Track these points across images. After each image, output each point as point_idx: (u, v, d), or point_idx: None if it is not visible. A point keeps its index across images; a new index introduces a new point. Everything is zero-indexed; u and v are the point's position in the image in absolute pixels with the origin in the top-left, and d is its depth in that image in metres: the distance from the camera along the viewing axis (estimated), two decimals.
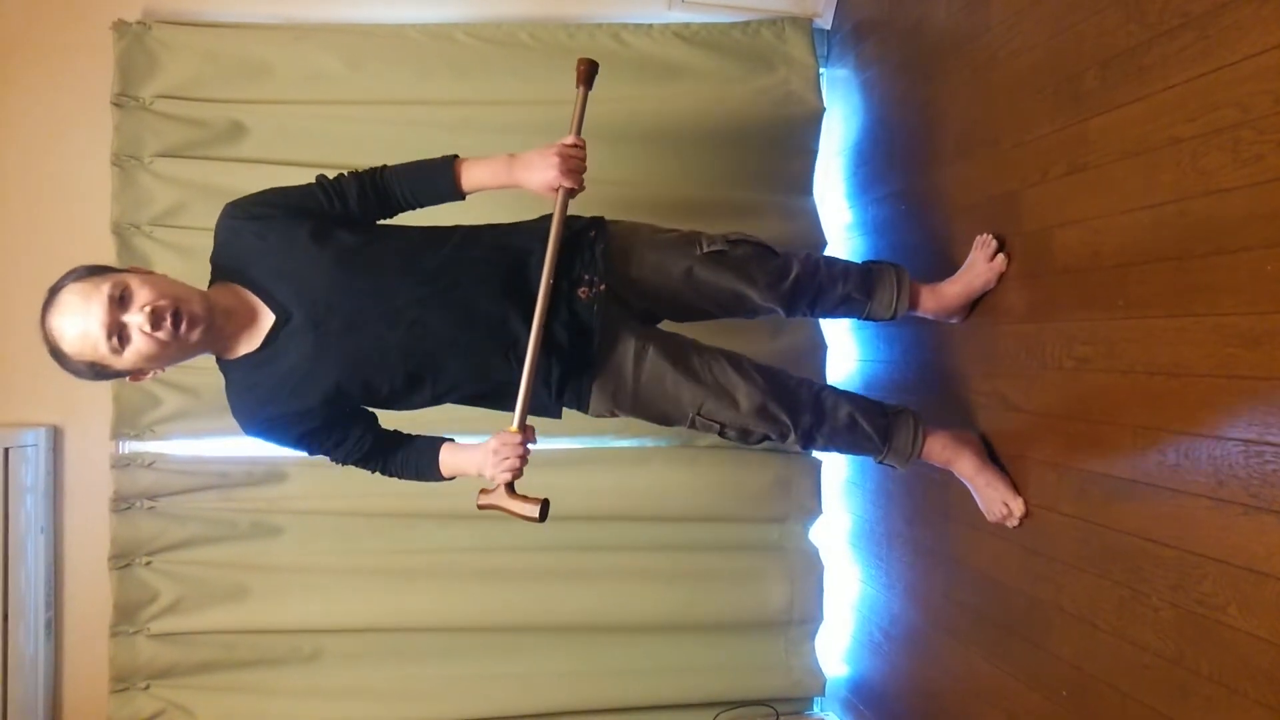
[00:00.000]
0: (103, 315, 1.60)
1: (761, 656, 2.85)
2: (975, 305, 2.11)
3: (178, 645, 2.67)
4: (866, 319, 2.15)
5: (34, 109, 2.66)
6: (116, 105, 2.59)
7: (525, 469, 1.82)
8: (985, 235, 2.04)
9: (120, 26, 2.60)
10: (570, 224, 1.90)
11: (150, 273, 1.72)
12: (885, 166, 2.62)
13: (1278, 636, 1.37)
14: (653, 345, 1.93)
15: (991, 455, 2.06)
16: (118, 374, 1.69)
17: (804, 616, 2.84)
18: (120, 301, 1.62)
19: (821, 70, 2.84)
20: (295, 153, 2.66)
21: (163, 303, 1.63)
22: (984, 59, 2.09)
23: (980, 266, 2.05)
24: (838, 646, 2.90)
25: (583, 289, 1.88)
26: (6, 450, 2.48)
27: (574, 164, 1.84)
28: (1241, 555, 1.43)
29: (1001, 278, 2.02)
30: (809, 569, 2.85)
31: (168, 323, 1.63)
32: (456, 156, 1.88)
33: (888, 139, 2.62)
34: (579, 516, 2.72)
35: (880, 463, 2.09)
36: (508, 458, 1.79)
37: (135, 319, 1.62)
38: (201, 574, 2.67)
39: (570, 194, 1.85)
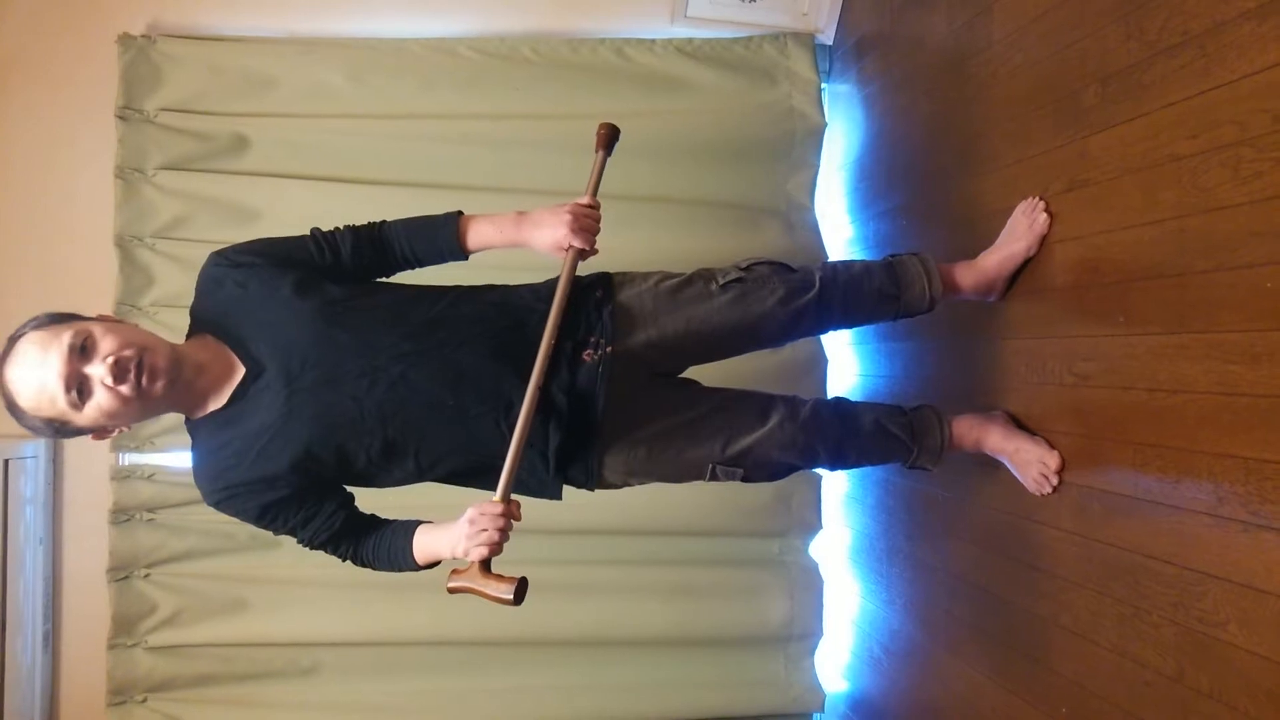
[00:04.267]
0: (61, 366, 1.46)
1: (761, 672, 2.83)
2: (1015, 279, 1.97)
3: (176, 658, 2.67)
4: (903, 314, 1.94)
5: (38, 121, 2.67)
6: (120, 118, 2.60)
7: (506, 546, 1.60)
8: (1033, 198, 1.91)
9: (125, 40, 2.62)
10: (574, 281, 1.74)
11: (118, 321, 1.60)
12: (886, 182, 2.63)
13: (1278, 654, 1.37)
14: (662, 404, 1.82)
15: (1020, 428, 1.97)
16: (78, 431, 1.54)
17: (804, 632, 2.83)
18: (82, 351, 1.48)
19: (823, 85, 2.85)
20: (298, 166, 2.67)
21: (127, 353, 1.49)
22: (985, 75, 2.10)
23: (1020, 229, 1.90)
24: (837, 662, 2.89)
25: (587, 351, 1.72)
26: (6, 461, 2.48)
27: (586, 223, 1.70)
28: (1241, 572, 1.42)
29: (1044, 241, 1.89)
30: (809, 584, 2.85)
31: (132, 375, 1.49)
32: (461, 213, 1.74)
33: (889, 154, 2.62)
34: (577, 530, 2.72)
35: (910, 467, 1.98)
36: (485, 529, 1.57)
37: (97, 370, 1.48)
38: (200, 586, 2.67)
39: (581, 255, 1.72)
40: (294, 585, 2.68)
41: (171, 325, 2.55)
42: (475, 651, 2.74)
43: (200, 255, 2.56)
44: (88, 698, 2.68)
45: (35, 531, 2.60)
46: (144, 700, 2.67)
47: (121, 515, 2.63)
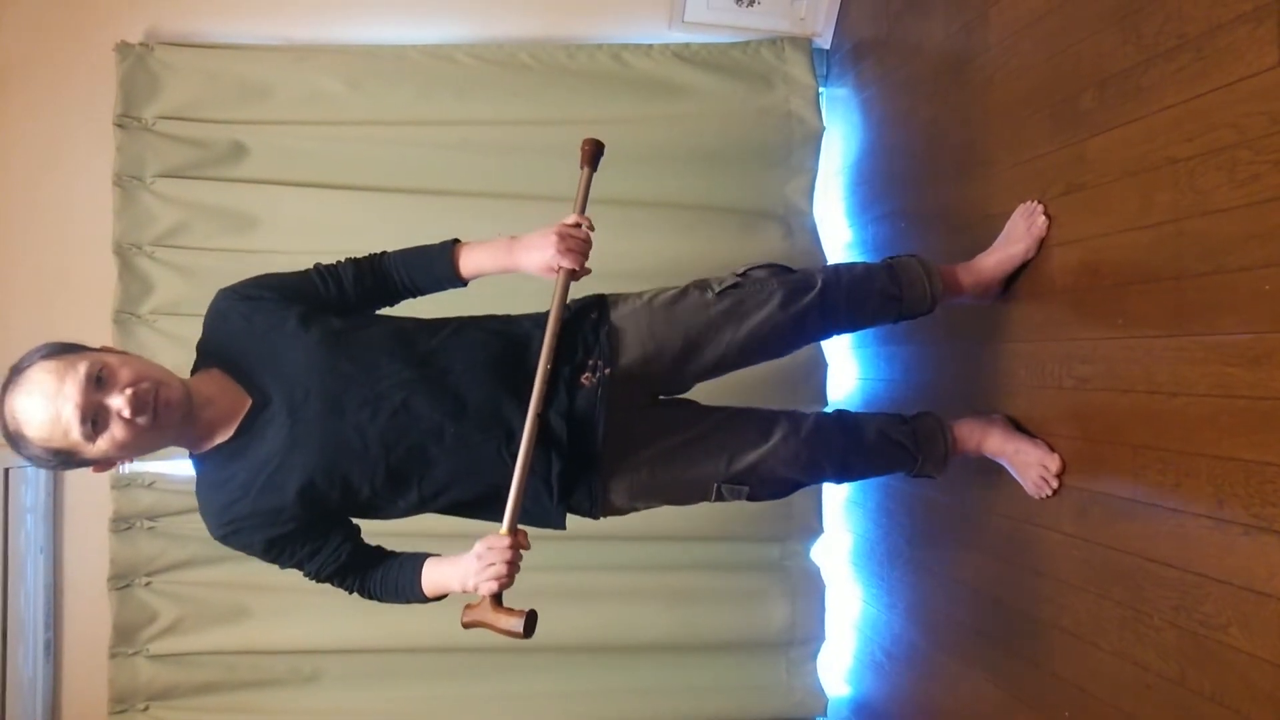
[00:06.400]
0: (79, 396, 1.43)
1: (763, 676, 2.83)
2: (1012, 282, 1.97)
3: (177, 666, 2.67)
4: (905, 315, 1.92)
5: (36, 129, 2.68)
6: (119, 126, 2.60)
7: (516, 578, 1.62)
8: (1031, 201, 1.91)
9: (123, 48, 2.62)
10: (569, 305, 1.75)
11: (124, 352, 1.59)
12: (884, 185, 2.63)
13: (1279, 657, 1.37)
14: (662, 424, 1.82)
15: (1020, 431, 1.96)
16: (82, 463, 1.51)
17: (805, 636, 2.83)
18: (98, 383, 1.46)
19: (821, 90, 2.85)
20: (296, 173, 2.67)
21: (145, 385, 1.48)
22: (983, 79, 2.10)
23: (1019, 232, 1.90)
24: (839, 666, 2.89)
25: (586, 375, 1.71)
26: (7, 471, 2.49)
27: (574, 243, 1.68)
28: (1243, 575, 1.42)
29: (1042, 244, 1.88)
30: (810, 588, 2.85)
31: (150, 407, 1.48)
32: (457, 241, 1.75)
33: (887, 158, 2.63)
34: (578, 536, 2.70)
35: (915, 475, 1.97)
36: (493, 564, 1.58)
37: (116, 402, 1.46)
38: (201, 594, 2.67)
39: (572, 276, 1.70)
40: (295, 592, 2.67)
41: (170, 333, 2.56)
42: (477, 658, 2.74)
43: (199, 263, 2.62)
44: (89, 706, 2.68)
45: (36, 540, 2.60)
46: (145, 708, 2.67)
47: (122, 523, 2.63)
